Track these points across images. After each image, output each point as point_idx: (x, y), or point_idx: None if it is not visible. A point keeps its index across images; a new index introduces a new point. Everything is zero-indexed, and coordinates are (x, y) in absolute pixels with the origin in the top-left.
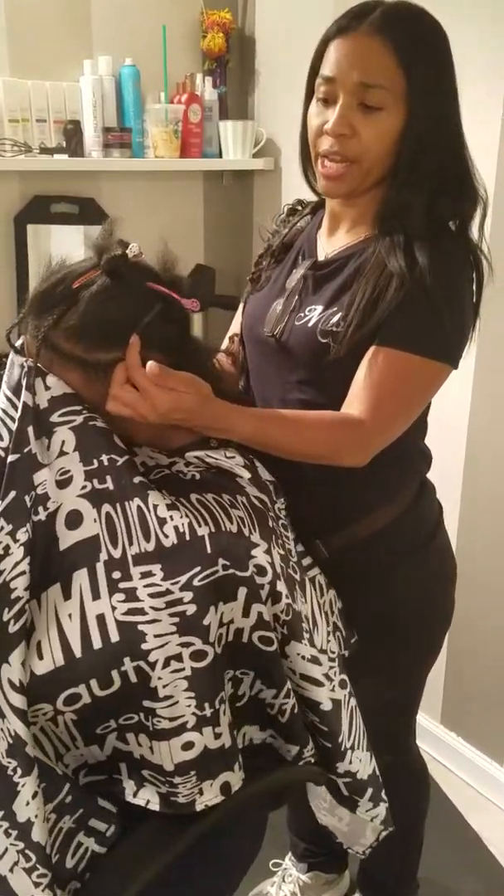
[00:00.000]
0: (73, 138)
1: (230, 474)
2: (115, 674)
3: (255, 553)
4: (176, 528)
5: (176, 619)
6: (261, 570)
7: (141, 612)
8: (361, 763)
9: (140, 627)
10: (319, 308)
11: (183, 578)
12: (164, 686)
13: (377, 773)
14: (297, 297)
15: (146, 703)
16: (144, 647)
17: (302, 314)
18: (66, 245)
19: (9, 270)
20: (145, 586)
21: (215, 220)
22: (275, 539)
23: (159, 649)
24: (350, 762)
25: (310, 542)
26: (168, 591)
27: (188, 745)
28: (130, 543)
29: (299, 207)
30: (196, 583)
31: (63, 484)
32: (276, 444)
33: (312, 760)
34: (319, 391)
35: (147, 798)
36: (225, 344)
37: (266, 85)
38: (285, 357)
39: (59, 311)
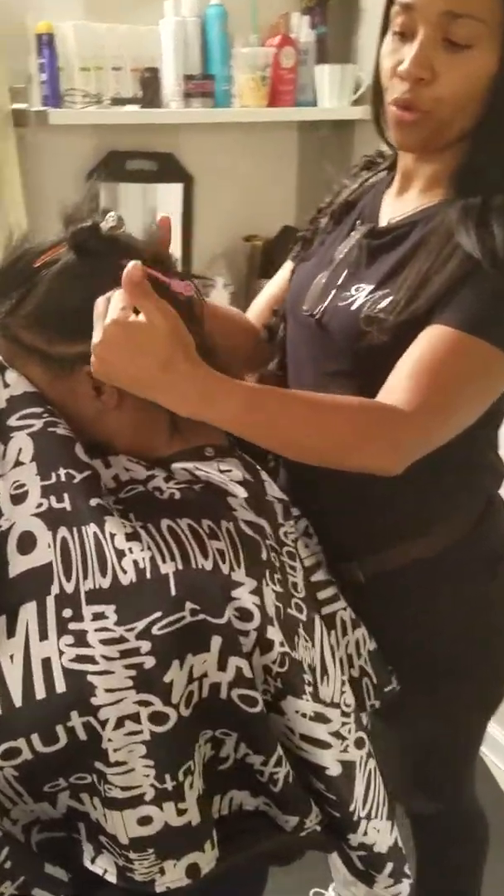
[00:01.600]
0: (149, 87)
1: (220, 492)
2: (60, 729)
3: (236, 594)
4: (135, 562)
5: (132, 673)
6: (244, 615)
7: (91, 660)
8: (379, 834)
9: (89, 678)
10: (368, 288)
11: (139, 625)
12: (116, 750)
13: (399, 844)
14: (345, 271)
15: (98, 766)
16: (94, 701)
17: (347, 293)
18: (142, 205)
19: None
20: (97, 630)
21: (310, 176)
22: (269, 574)
23: (111, 706)
24: (365, 833)
25: (343, 565)
26: (122, 639)
27: (145, 820)
28: (85, 577)
29: (379, 160)
30: (156, 631)
31: (18, 499)
32: (273, 431)
33: (318, 829)
34: (360, 388)
35: (104, 867)
36: (252, 314)
37: (375, 24)
38: (323, 343)
39: (18, 294)
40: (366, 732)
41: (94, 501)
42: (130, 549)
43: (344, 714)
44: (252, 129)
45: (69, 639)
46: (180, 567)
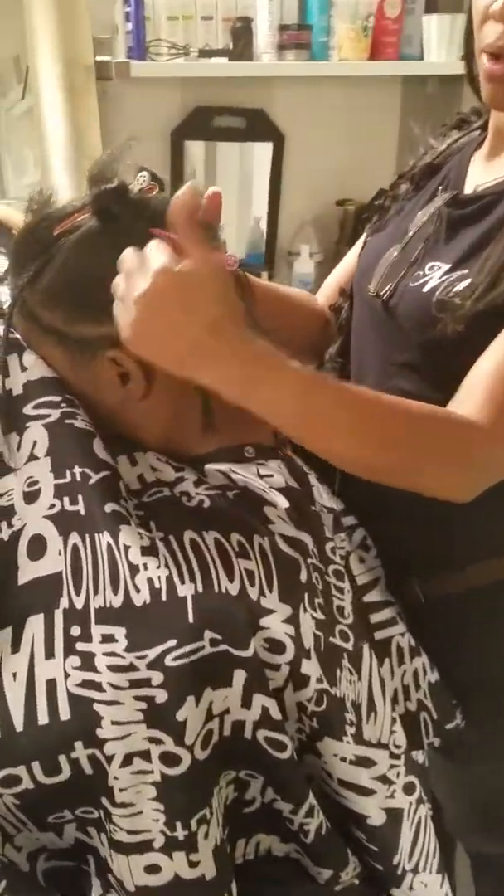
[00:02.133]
0: (241, 39)
1: (257, 501)
2: (63, 760)
3: (265, 622)
4: (150, 580)
5: (142, 706)
6: (274, 647)
7: (98, 687)
8: (427, 889)
9: (96, 707)
10: (444, 267)
11: (151, 653)
12: (123, 790)
13: None
14: (420, 245)
15: (104, 802)
16: (100, 734)
17: (420, 272)
18: (229, 165)
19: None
20: (105, 654)
21: (413, 137)
22: (309, 598)
23: (118, 741)
24: (411, 887)
25: (402, 583)
26: (132, 667)
27: (153, 869)
28: (95, 592)
29: (473, 118)
30: (169, 661)
31: (30, 498)
32: (321, 434)
33: (356, 882)
34: (432, 385)
35: None
36: (322, 294)
37: None
38: (390, 330)
39: (36, 265)
40: (418, 775)
41: (109, 507)
42: (146, 565)
43: (392, 756)
44: (351, 85)
45: (76, 660)
46: (200, 589)
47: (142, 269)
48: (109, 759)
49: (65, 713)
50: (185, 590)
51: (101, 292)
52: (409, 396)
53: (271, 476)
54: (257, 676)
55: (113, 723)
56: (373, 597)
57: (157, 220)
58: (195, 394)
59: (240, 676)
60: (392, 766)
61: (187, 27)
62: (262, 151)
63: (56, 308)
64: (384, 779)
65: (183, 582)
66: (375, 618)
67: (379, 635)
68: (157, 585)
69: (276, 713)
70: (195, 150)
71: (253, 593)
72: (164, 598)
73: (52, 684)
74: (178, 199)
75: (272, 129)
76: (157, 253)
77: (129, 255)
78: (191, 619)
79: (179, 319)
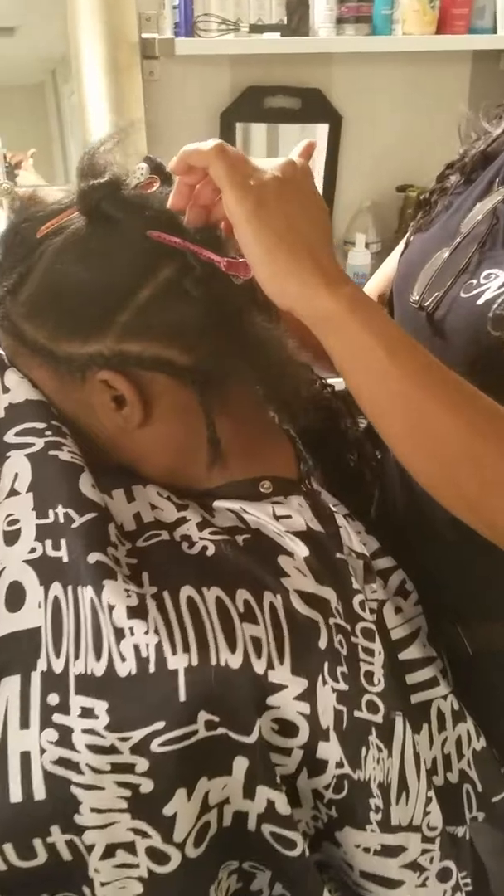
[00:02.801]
0: (296, 12)
1: (271, 549)
2: (38, 843)
3: (274, 701)
4: (136, 648)
5: (125, 793)
6: (285, 729)
7: (76, 767)
8: None
9: (73, 790)
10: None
11: (136, 735)
12: (105, 884)
13: None
14: (473, 248)
15: (86, 891)
16: (79, 820)
17: (474, 281)
18: (283, 148)
19: None
20: (84, 731)
21: (469, 118)
22: (330, 668)
23: (98, 831)
24: None
25: (447, 632)
26: (113, 749)
27: None
28: (76, 655)
29: None
30: (156, 747)
31: (10, 539)
32: (364, 380)
33: None
34: None
35: None
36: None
37: None
38: (437, 346)
39: (18, 273)
40: (456, 859)
41: (93, 557)
42: (132, 629)
43: (426, 839)
44: (415, 61)
45: (52, 734)
46: (195, 661)
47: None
48: (89, 848)
49: (39, 792)
50: (178, 661)
51: (88, 305)
52: None
53: (289, 517)
54: (262, 765)
55: (93, 810)
56: (411, 653)
57: (159, 220)
58: (201, 421)
59: (241, 764)
60: (425, 852)
61: (238, 1)
62: (318, 133)
63: (40, 322)
64: (415, 866)
65: (175, 652)
66: (413, 678)
67: (416, 698)
68: (144, 654)
69: (283, 807)
70: (246, 132)
71: (259, 666)
72: (152, 669)
73: (26, 758)
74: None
75: (329, 109)
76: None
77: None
78: (182, 698)
79: (308, 204)
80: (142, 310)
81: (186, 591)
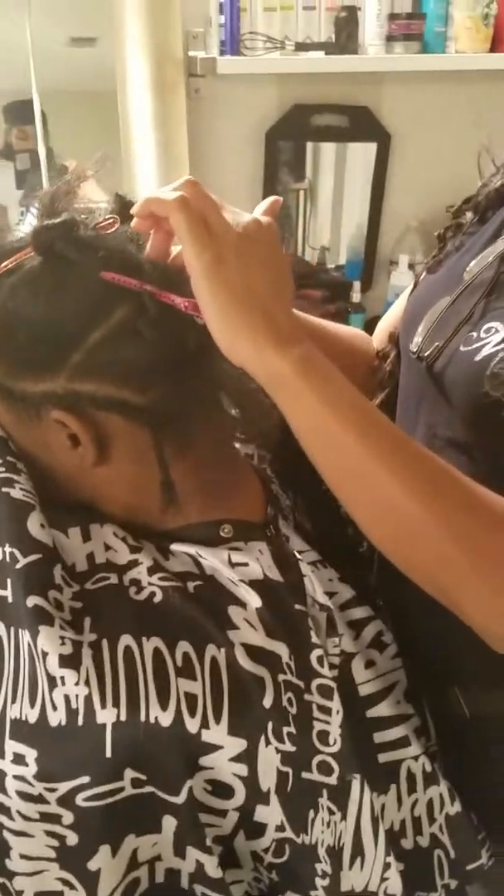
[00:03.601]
0: (344, 30)
1: (222, 597)
2: None
3: (207, 762)
4: (66, 698)
5: (53, 843)
6: (219, 790)
7: (7, 812)
8: None
9: (5, 835)
10: None
11: (62, 787)
12: None
13: None
14: (478, 296)
15: None
16: (10, 865)
17: (474, 333)
18: (328, 166)
19: (255, 195)
20: (15, 777)
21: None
22: (274, 728)
23: (27, 878)
24: None
25: (443, 693)
26: (41, 798)
27: None
28: (13, 699)
29: None
30: (80, 801)
31: None
32: (316, 447)
33: None
34: (486, 472)
35: None
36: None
37: None
38: (435, 398)
39: None
40: None
41: (31, 600)
42: (63, 679)
43: None
44: (467, 80)
45: None
46: (123, 716)
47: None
48: (18, 894)
49: None
50: (106, 715)
51: (41, 344)
52: None
53: (245, 565)
54: (190, 826)
55: (22, 856)
56: (380, 711)
57: (113, 261)
58: (155, 464)
59: (170, 823)
60: None
61: (286, 18)
62: (366, 152)
63: None
64: None
65: (104, 705)
66: (381, 736)
67: (384, 757)
68: (73, 705)
69: (213, 870)
70: (291, 150)
71: (192, 725)
72: (80, 722)
73: None
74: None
75: (377, 127)
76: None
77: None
78: (108, 754)
79: (269, 263)
80: (94, 350)
81: (125, 640)
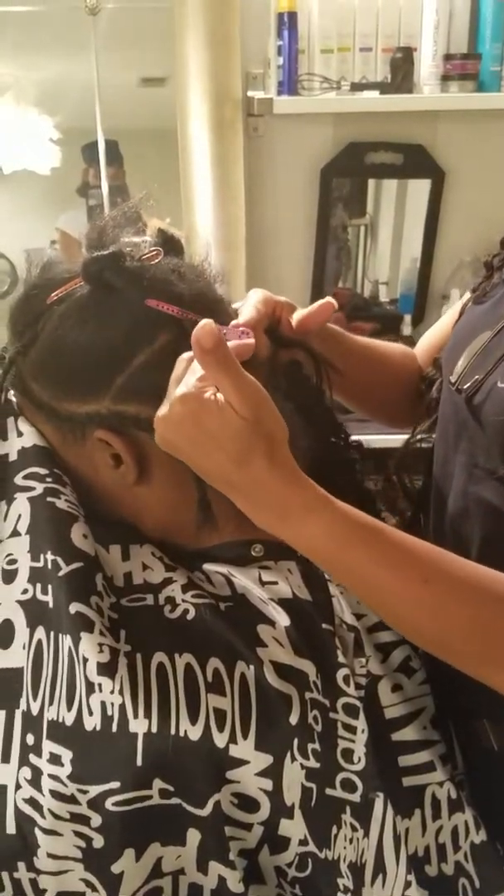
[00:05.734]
0: (400, 70)
1: (252, 616)
2: (6, 877)
3: (234, 775)
4: (103, 705)
5: (81, 843)
6: (246, 804)
7: (40, 810)
8: None
9: (36, 832)
10: None
11: (93, 791)
12: None
13: None
14: None
15: None
16: (37, 863)
17: None
18: (388, 203)
19: (310, 230)
20: (50, 776)
21: None
22: (300, 744)
23: (52, 877)
24: None
25: (471, 725)
26: (73, 799)
27: None
28: (51, 701)
29: None
30: (110, 805)
31: (8, 577)
32: (361, 583)
33: None
34: None
35: None
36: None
37: None
38: (473, 430)
39: (28, 335)
40: None
41: (74, 607)
42: (100, 686)
43: None
44: None
45: (27, 772)
46: (154, 728)
47: (174, 385)
48: (42, 893)
49: (11, 826)
50: (138, 725)
51: (88, 367)
52: (492, 512)
53: (275, 584)
54: (215, 841)
55: (49, 855)
56: (406, 735)
57: (157, 289)
58: (192, 484)
59: (194, 836)
60: None
61: (343, 59)
62: (420, 188)
63: (44, 382)
64: None
65: (137, 715)
66: (406, 760)
67: (409, 781)
68: (109, 712)
69: (235, 885)
70: (348, 186)
71: (220, 739)
72: (114, 729)
73: (2, 791)
74: (195, 337)
75: (432, 165)
76: (191, 370)
77: (179, 362)
78: (139, 762)
79: (203, 449)
80: (138, 373)
81: (159, 656)
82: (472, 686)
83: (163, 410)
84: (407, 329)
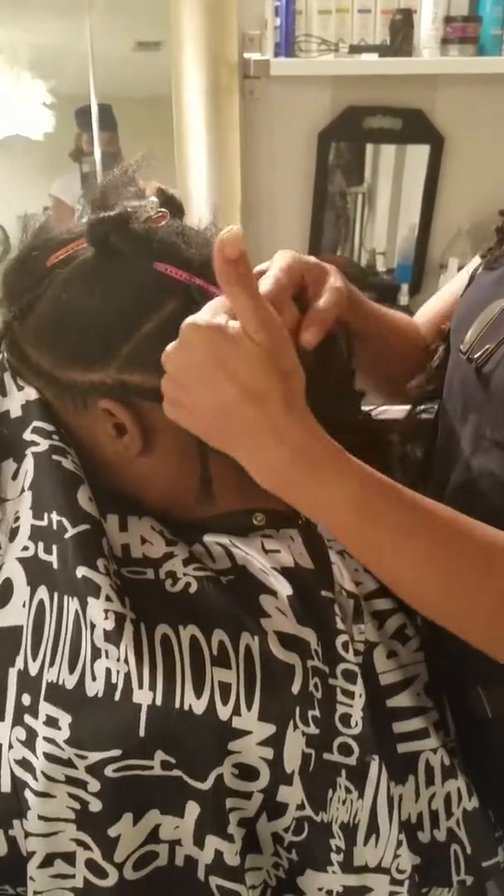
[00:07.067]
0: (399, 33)
1: (254, 587)
2: (1, 836)
3: (235, 746)
4: (108, 672)
5: (75, 805)
6: (246, 773)
7: (33, 772)
8: None
9: (27, 794)
10: None
11: (92, 757)
12: (38, 893)
13: None
14: None
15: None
16: (26, 825)
17: None
18: (381, 168)
19: (307, 196)
20: (45, 739)
21: None
22: (301, 712)
23: (41, 839)
24: None
25: (466, 693)
26: (70, 763)
27: None
28: (52, 663)
29: None
30: (110, 772)
31: (13, 535)
32: (379, 558)
33: None
34: None
35: None
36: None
37: None
38: (482, 399)
39: (26, 299)
40: None
41: (80, 571)
42: (107, 653)
43: (394, 882)
44: None
45: (21, 733)
46: (159, 701)
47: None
48: (30, 854)
49: (6, 785)
50: (142, 696)
51: (93, 335)
52: (496, 484)
53: (277, 552)
54: (213, 814)
55: (40, 817)
56: (400, 701)
57: (164, 253)
58: (196, 455)
59: (192, 810)
60: (393, 894)
61: (341, 21)
62: (419, 154)
63: (44, 349)
64: None
65: (141, 686)
66: (401, 727)
67: (403, 748)
68: (113, 680)
69: (231, 858)
70: (346, 152)
71: (224, 712)
72: (117, 696)
73: None
74: (219, 244)
75: (431, 130)
76: (207, 306)
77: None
78: (142, 733)
79: (212, 385)
80: (145, 342)
81: (162, 628)
82: (467, 653)
83: (171, 346)
84: (404, 299)
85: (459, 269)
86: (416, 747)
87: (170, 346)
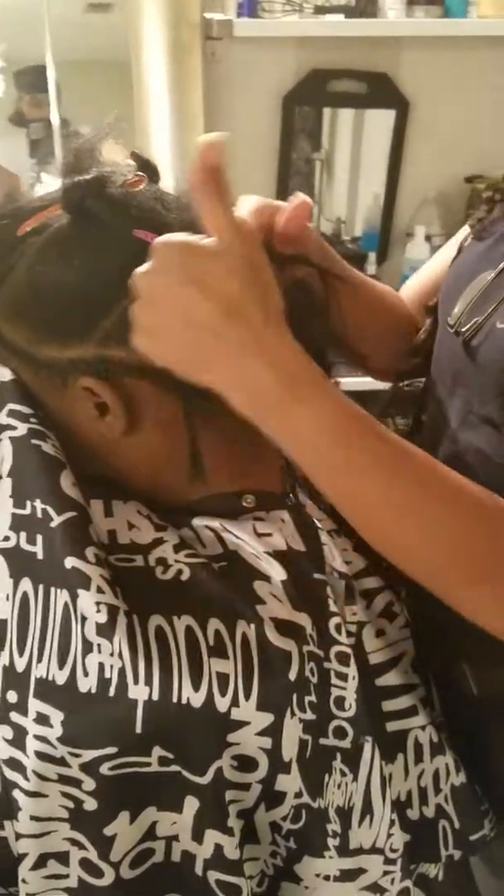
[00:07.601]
0: None
1: (248, 573)
2: None
3: (234, 738)
4: (101, 666)
5: (69, 804)
6: (245, 764)
7: (23, 772)
8: None
9: (16, 794)
10: None
11: (87, 755)
12: None
13: None
14: None
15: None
16: (17, 827)
17: None
18: (346, 133)
19: (271, 163)
20: (36, 737)
21: None
22: (298, 698)
23: (33, 840)
24: None
25: (452, 669)
26: (63, 761)
27: None
28: (39, 658)
29: None
30: (105, 770)
31: None
32: (348, 489)
33: None
34: None
35: None
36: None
37: None
38: (470, 374)
39: None
40: (417, 883)
41: (70, 562)
42: (99, 647)
43: (388, 861)
44: (491, 46)
45: (7, 731)
46: (156, 696)
47: None
48: (21, 856)
49: None
50: (138, 692)
51: (72, 308)
52: (483, 460)
53: (269, 535)
54: (213, 808)
55: (32, 818)
56: (389, 680)
57: (144, 219)
58: (183, 433)
59: (191, 804)
60: (386, 873)
61: None
62: (384, 119)
63: (18, 324)
64: (376, 888)
65: (137, 681)
66: (390, 705)
67: (392, 726)
68: (107, 675)
69: (231, 852)
70: (309, 117)
71: (222, 704)
72: (111, 692)
73: None
74: (199, 152)
75: (396, 94)
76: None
77: None
78: (139, 730)
79: (188, 300)
80: (127, 315)
81: (156, 620)
82: (454, 628)
83: (141, 267)
84: (371, 268)
85: (427, 237)
86: (405, 725)
87: (140, 268)
